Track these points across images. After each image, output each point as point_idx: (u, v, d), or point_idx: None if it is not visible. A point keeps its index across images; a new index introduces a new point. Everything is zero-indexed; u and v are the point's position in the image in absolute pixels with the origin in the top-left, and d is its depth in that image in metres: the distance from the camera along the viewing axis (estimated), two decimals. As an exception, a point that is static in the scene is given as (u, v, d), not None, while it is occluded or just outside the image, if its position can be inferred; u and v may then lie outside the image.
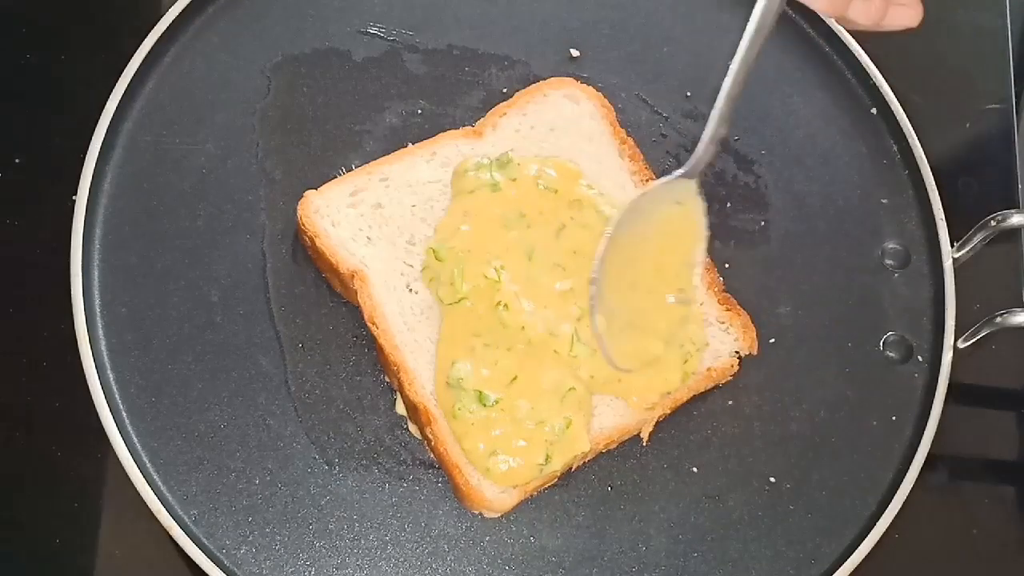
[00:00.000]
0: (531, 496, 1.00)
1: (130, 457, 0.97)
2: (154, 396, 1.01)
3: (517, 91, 1.14)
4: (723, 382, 1.06)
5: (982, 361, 1.15)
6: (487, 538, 1.00)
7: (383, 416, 1.03)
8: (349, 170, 1.09)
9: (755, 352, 1.07)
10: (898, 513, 1.02)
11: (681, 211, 0.97)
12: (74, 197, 1.06)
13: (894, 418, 1.08)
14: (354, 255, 1.04)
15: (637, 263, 0.97)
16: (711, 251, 1.10)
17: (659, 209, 0.97)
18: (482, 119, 1.12)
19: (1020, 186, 1.24)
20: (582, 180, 1.07)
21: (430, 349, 1.01)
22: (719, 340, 1.06)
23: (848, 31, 1.19)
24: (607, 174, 1.10)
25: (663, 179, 0.97)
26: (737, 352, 1.07)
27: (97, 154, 1.07)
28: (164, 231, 1.08)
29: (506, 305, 0.99)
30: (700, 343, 1.03)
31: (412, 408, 1.00)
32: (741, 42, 0.87)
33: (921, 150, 1.17)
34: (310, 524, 0.99)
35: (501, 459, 0.96)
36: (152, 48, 1.12)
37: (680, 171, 0.95)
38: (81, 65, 1.20)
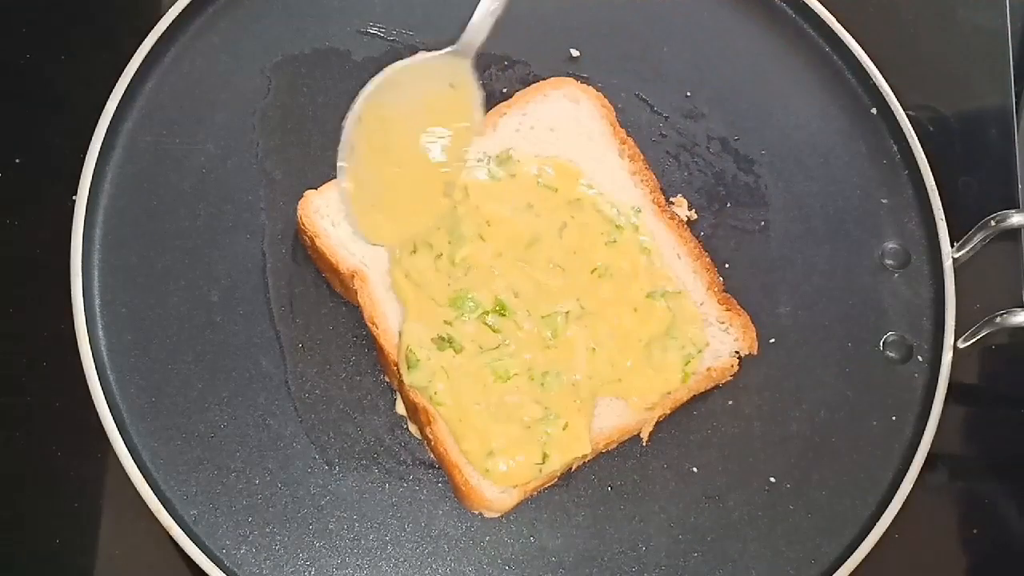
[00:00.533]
0: (531, 496, 1.00)
1: (130, 457, 0.97)
2: (154, 396, 1.01)
3: (517, 91, 1.14)
4: (723, 382, 1.06)
5: (982, 361, 1.15)
6: (487, 538, 1.00)
7: (383, 416, 1.03)
8: (349, 170, 1.09)
9: (755, 352, 1.07)
10: (898, 513, 1.02)
11: (454, 95, 0.95)
12: (74, 197, 1.06)
13: (894, 418, 1.08)
14: (354, 255, 1.04)
15: (395, 137, 0.96)
16: (711, 251, 1.11)
17: (428, 86, 0.94)
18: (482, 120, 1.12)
19: (1020, 186, 1.24)
20: (582, 180, 1.07)
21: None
22: (719, 340, 1.06)
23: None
24: (607, 174, 1.10)
25: (432, 53, 0.95)
26: (737, 352, 1.07)
27: (97, 154, 1.07)
28: (164, 231, 1.08)
29: (501, 308, 0.99)
30: (700, 344, 1.03)
31: (412, 408, 1.00)
32: None
33: (921, 150, 1.17)
34: (310, 524, 0.99)
35: (500, 459, 0.96)
36: (152, 48, 1.12)
37: (451, 48, 0.94)
38: (81, 65, 1.20)
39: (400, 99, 0.94)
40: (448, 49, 0.92)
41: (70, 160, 1.08)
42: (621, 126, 1.14)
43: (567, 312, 1.01)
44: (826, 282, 1.13)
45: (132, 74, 1.11)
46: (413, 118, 0.94)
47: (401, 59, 1.13)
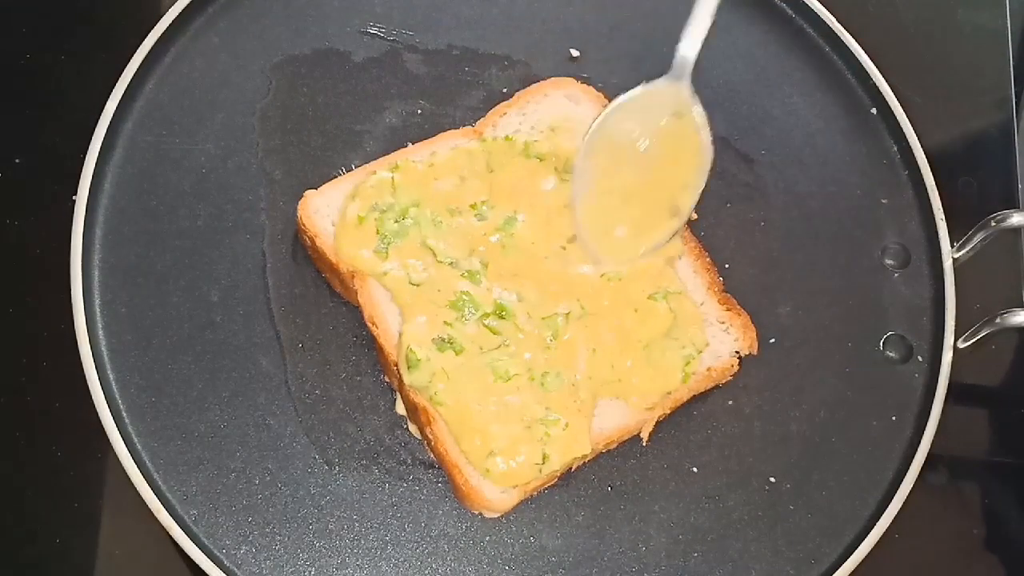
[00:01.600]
0: (531, 496, 1.00)
1: (130, 457, 0.97)
2: (154, 396, 1.01)
3: (517, 91, 1.14)
4: (723, 382, 1.06)
5: (982, 361, 1.15)
6: (487, 538, 1.00)
7: (383, 416, 1.03)
8: (349, 170, 1.09)
9: (755, 352, 1.07)
10: (898, 513, 1.02)
11: (679, 124, 0.98)
12: (74, 197, 1.06)
13: (894, 418, 1.08)
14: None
15: (626, 173, 0.99)
16: (711, 251, 1.11)
17: (653, 118, 0.98)
18: (482, 119, 1.12)
19: (1020, 186, 1.24)
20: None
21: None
22: (719, 340, 1.06)
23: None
24: (607, 174, 1.10)
25: (650, 84, 0.98)
26: (737, 352, 1.07)
27: (97, 154, 1.07)
28: (164, 231, 1.08)
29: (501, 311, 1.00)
30: (700, 344, 1.03)
31: (412, 408, 1.00)
32: None
33: (921, 150, 1.17)
34: (310, 524, 0.99)
35: (500, 459, 0.96)
36: (152, 48, 1.13)
37: (666, 76, 0.97)
38: (81, 65, 1.20)
39: (627, 130, 0.99)
40: (664, 77, 0.97)
41: (70, 160, 1.08)
42: (621, 126, 1.14)
43: (568, 313, 1.01)
44: (826, 282, 1.13)
45: (132, 74, 1.11)
46: (641, 147, 1.00)
47: (407, 63, 1.14)
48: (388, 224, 1.02)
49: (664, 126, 0.99)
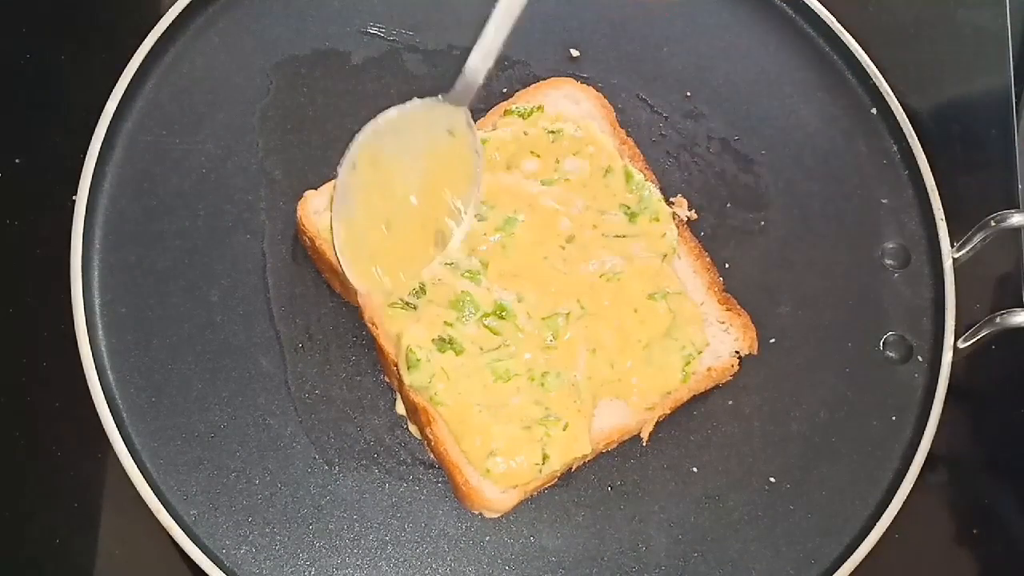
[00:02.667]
0: (531, 496, 1.00)
1: (130, 457, 0.97)
2: (154, 396, 1.01)
3: (517, 91, 1.14)
4: (723, 382, 1.06)
5: (982, 361, 1.15)
6: (487, 538, 1.00)
7: (383, 416, 1.03)
8: (349, 170, 1.09)
9: (755, 352, 1.07)
10: (898, 513, 1.02)
11: (452, 142, 0.93)
12: (74, 197, 1.06)
13: (894, 418, 1.08)
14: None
15: (391, 184, 0.93)
16: (711, 251, 1.11)
17: (426, 133, 0.92)
18: (482, 119, 1.12)
19: (1020, 186, 1.24)
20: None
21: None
22: (719, 340, 1.06)
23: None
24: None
25: (427, 99, 0.93)
26: (737, 352, 1.07)
27: (97, 154, 1.07)
28: (164, 231, 1.08)
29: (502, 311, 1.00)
30: (701, 344, 1.03)
31: (412, 408, 1.00)
32: None
33: (921, 150, 1.17)
34: (310, 524, 0.99)
35: (500, 459, 0.96)
36: (152, 48, 1.13)
37: (446, 94, 0.92)
38: (81, 65, 1.20)
39: (397, 145, 0.93)
40: (443, 96, 0.91)
41: (70, 160, 1.08)
42: (621, 126, 1.14)
43: (568, 313, 1.01)
44: (826, 282, 1.13)
45: (132, 74, 1.11)
46: (410, 165, 0.93)
47: (407, 63, 1.13)
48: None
49: (436, 145, 0.93)
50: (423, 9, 1.20)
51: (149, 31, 1.13)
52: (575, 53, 1.20)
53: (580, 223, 1.04)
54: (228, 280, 1.06)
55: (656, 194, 1.07)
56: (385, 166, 0.92)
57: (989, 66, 1.32)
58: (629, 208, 1.05)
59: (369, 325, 1.01)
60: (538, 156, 1.06)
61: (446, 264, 1.00)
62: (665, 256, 1.05)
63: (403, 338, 0.98)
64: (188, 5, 1.15)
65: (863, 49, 1.21)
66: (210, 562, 0.95)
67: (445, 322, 0.99)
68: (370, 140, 0.93)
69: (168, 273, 1.06)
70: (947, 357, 1.09)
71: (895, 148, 1.19)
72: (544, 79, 1.15)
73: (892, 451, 1.06)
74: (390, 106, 1.14)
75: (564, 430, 0.97)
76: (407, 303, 0.99)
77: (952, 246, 1.13)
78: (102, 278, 1.05)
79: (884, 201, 1.17)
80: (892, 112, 1.19)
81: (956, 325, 1.10)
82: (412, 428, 1.03)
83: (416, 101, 0.94)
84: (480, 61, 0.87)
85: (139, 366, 1.02)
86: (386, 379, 1.04)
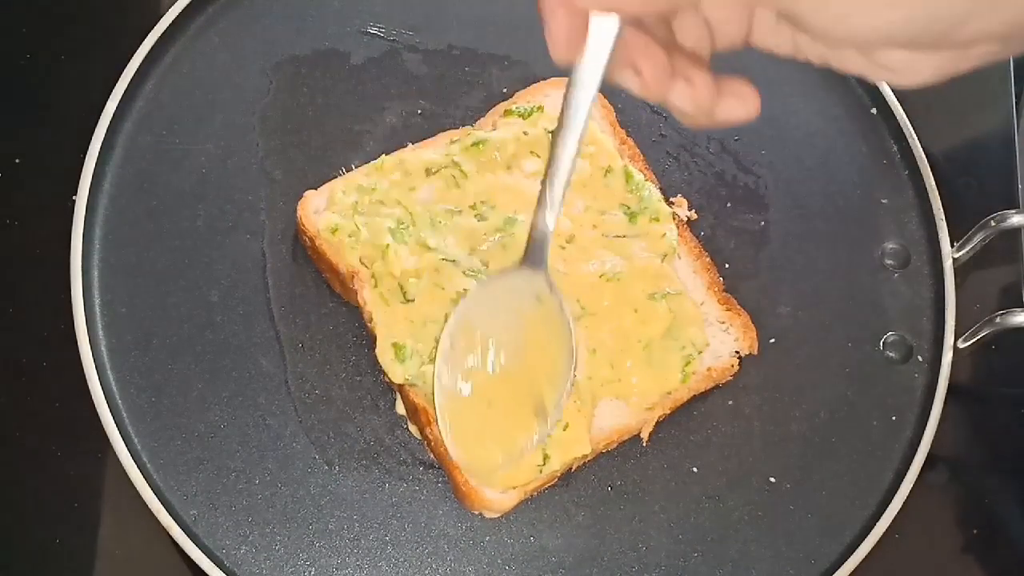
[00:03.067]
0: (531, 496, 1.00)
1: (130, 457, 0.97)
2: (154, 396, 1.01)
3: (517, 91, 1.14)
4: (723, 382, 1.06)
5: (982, 361, 1.15)
6: (487, 538, 1.00)
7: (383, 416, 1.03)
8: (349, 170, 1.09)
9: (755, 352, 1.07)
10: (898, 513, 1.02)
11: (541, 308, 0.89)
12: (74, 197, 1.06)
13: (894, 418, 1.08)
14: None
15: (488, 359, 0.90)
16: (711, 251, 1.11)
17: (513, 303, 0.89)
18: (482, 119, 1.12)
19: (1020, 186, 1.24)
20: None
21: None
22: (719, 340, 1.06)
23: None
24: (607, 174, 1.10)
25: (505, 271, 0.90)
26: (737, 352, 1.07)
27: (97, 154, 1.07)
28: (164, 231, 1.08)
29: None
30: (701, 345, 1.03)
31: (412, 408, 1.00)
32: (563, 134, 0.76)
33: (921, 150, 1.17)
34: (310, 524, 0.99)
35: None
36: (152, 48, 1.13)
37: (524, 264, 0.87)
38: (81, 65, 1.20)
39: (488, 320, 0.90)
40: (521, 264, 0.86)
41: (70, 160, 1.08)
42: (621, 126, 1.14)
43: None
44: (826, 282, 1.13)
45: (132, 74, 1.11)
46: (504, 338, 0.90)
47: (407, 63, 1.13)
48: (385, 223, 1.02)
49: (526, 314, 0.89)
50: (423, 9, 1.20)
51: (149, 31, 1.13)
52: (575, 53, 1.20)
53: (580, 223, 1.04)
54: (228, 280, 1.06)
55: (656, 194, 1.07)
56: (479, 342, 0.90)
57: (989, 66, 1.31)
58: (629, 208, 1.05)
59: (369, 325, 1.01)
60: (538, 156, 1.06)
61: (450, 261, 1.01)
62: (665, 256, 1.05)
63: (390, 332, 0.98)
64: (188, 5, 1.15)
65: (863, 49, 1.20)
66: (210, 562, 0.95)
67: (445, 320, 0.99)
68: (462, 318, 0.90)
69: (168, 273, 1.06)
70: (947, 357, 1.09)
71: (895, 148, 1.19)
72: (544, 79, 1.15)
73: (892, 451, 1.06)
74: (390, 106, 1.15)
75: (564, 430, 0.97)
76: (406, 297, 0.99)
77: (952, 246, 1.13)
78: (102, 278, 1.05)
79: (884, 201, 1.17)
80: (892, 112, 1.19)
81: (956, 325, 1.10)
82: (412, 428, 1.03)
83: (495, 276, 0.92)
84: (546, 220, 0.81)
85: (139, 366, 1.02)
86: (386, 379, 1.04)
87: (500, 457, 0.92)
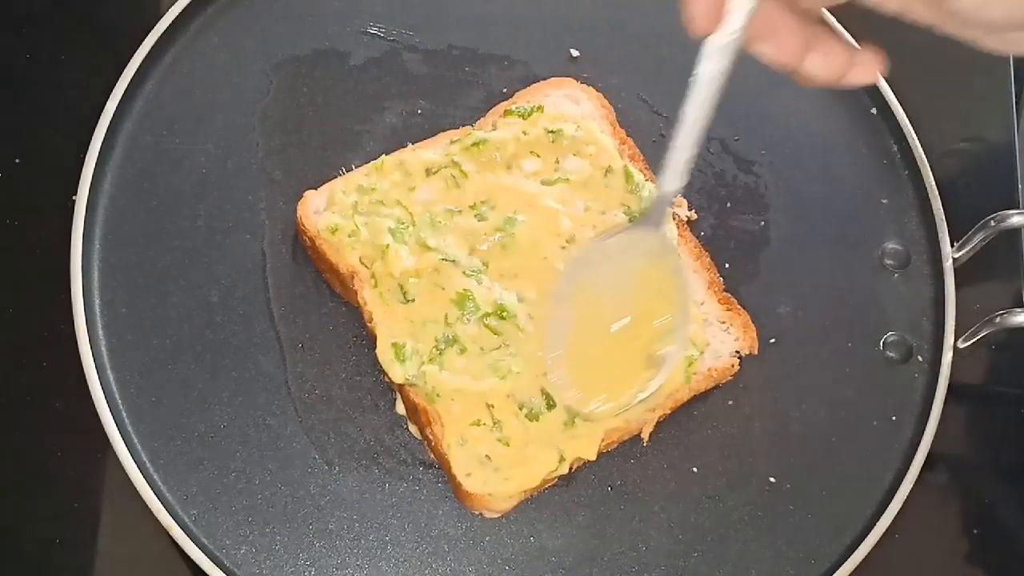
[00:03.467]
0: (531, 496, 1.00)
1: (130, 457, 0.97)
2: (154, 396, 1.01)
3: (517, 91, 1.14)
4: (723, 382, 1.06)
5: (982, 361, 1.15)
6: (487, 538, 1.00)
7: (383, 416, 1.03)
8: (349, 170, 1.09)
9: (755, 352, 1.07)
10: (898, 513, 1.02)
11: (655, 269, 0.92)
12: (74, 197, 1.06)
13: (894, 418, 1.08)
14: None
15: (604, 318, 0.93)
16: (711, 251, 1.11)
17: (627, 260, 0.92)
18: (482, 119, 1.12)
19: (1020, 186, 1.24)
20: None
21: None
22: (719, 340, 1.06)
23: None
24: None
25: (625, 229, 0.93)
26: (737, 352, 1.07)
27: (97, 154, 1.07)
28: (164, 231, 1.08)
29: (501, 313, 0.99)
30: (701, 344, 1.03)
31: (412, 408, 1.00)
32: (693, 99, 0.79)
33: (921, 150, 1.17)
34: (310, 524, 0.99)
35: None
36: (152, 48, 1.13)
37: (643, 221, 0.90)
38: (81, 65, 1.20)
39: (601, 276, 0.93)
40: (639, 221, 0.91)
41: (70, 160, 1.08)
42: (621, 126, 1.14)
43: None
44: (826, 282, 1.13)
45: (132, 74, 1.11)
46: (617, 295, 0.93)
47: (407, 63, 1.12)
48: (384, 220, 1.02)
49: (641, 271, 0.92)
50: (423, 9, 1.20)
51: (149, 31, 1.13)
52: (575, 53, 1.20)
53: (580, 223, 1.04)
54: (228, 280, 1.06)
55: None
56: (592, 298, 0.93)
57: (989, 66, 1.31)
58: (629, 208, 1.05)
59: (369, 325, 1.01)
60: (538, 156, 1.07)
61: (450, 261, 1.01)
62: None
63: (390, 332, 0.98)
64: (188, 5, 1.15)
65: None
66: (210, 562, 0.95)
67: (446, 320, 0.99)
68: (574, 273, 0.93)
69: (168, 273, 1.06)
70: (947, 357, 1.09)
71: (895, 148, 1.19)
72: (544, 79, 1.15)
73: (892, 451, 1.06)
74: (390, 106, 1.15)
75: (569, 428, 0.97)
76: (406, 297, 0.99)
77: (952, 246, 1.13)
78: (102, 278, 1.05)
79: (884, 201, 1.17)
80: (892, 112, 1.19)
81: (956, 325, 1.10)
82: (412, 428, 1.03)
83: (614, 234, 0.93)
84: (673, 182, 0.84)
85: (139, 366, 1.02)
86: (386, 379, 1.04)
87: (612, 406, 0.94)
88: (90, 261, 1.05)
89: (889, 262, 1.15)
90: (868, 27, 1.23)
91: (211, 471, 0.99)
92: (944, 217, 1.14)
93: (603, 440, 1.00)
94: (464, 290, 0.99)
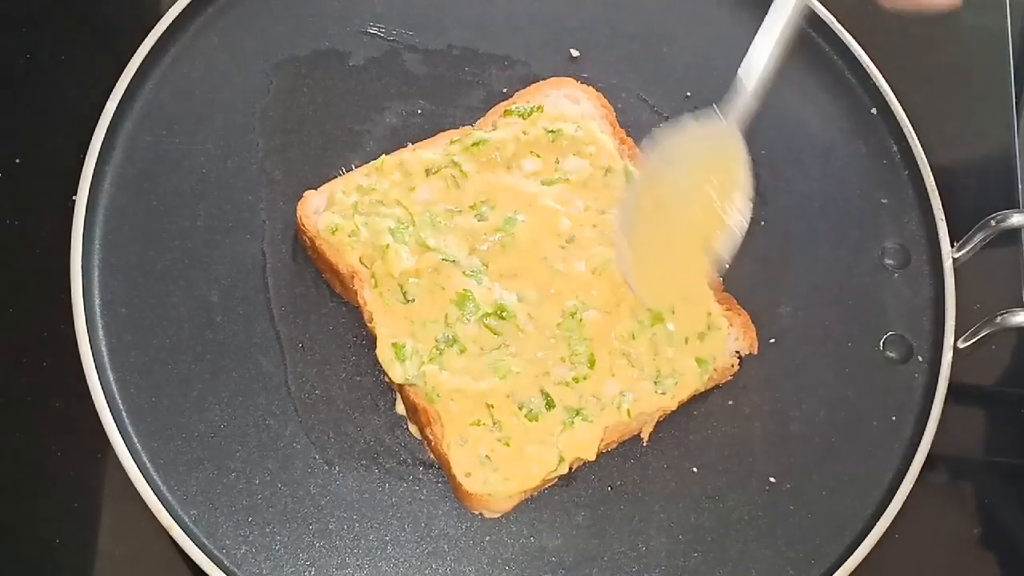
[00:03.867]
0: (531, 496, 1.00)
1: (130, 457, 0.97)
2: (154, 396, 1.01)
3: (517, 91, 1.14)
4: (723, 382, 1.06)
5: (982, 361, 1.15)
6: (487, 538, 1.00)
7: (383, 416, 1.03)
8: (349, 170, 1.09)
9: (755, 352, 1.07)
10: (898, 513, 1.02)
11: (720, 159, 0.96)
12: (74, 197, 1.06)
13: (894, 418, 1.08)
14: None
15: (670, 206, 0.96)
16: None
17: (697, 153, 0.96)
18: (482, 119, 1.12)
19: (1020, 186, 1.24)
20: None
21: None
22: (719, 340, 1.06)
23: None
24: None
25: (699, 122, 0.96)
26: (737, 352, 1.07)
27: (97, 154, 1.07)
28: (164, 231, 1.08)
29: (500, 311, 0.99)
30: (719, 355, 1.04)
31: (412, 408, 1.00)
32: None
33: (921, 150, 1.17)
34: (310, 524, 0.99)
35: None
36: (152, 48, 1.13)
37: (718, 107, 0.95)
38: (81, 65, 1.20)
39: (672, 164, 0.97)
40: (714, 116, 0.94)
41: (70, 160, 1.08)
42: (621, 126, 1.14)
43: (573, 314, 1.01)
44: (826, 282, 1.13)
45: (132, 74, 1.11)
46: (684, 181, 0.97)
47: (407, 63, 1.13)
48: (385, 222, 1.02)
49: (707, 162, 0.96)
50: (423, 9, 1.20)
51: (149, 31, 1.13)
52: (575, 53, 1.20)
53: (580, 223, 1.04)
54: (228, 280, 1.06)
55: None
56: (662, 184, 0.96)
57: (989, 66, 1.32)
58: None
59: (369, 325, 1.01)
60: (538, 156, 1.07)
61: (450, 261, 1.01)
62: None
63: (390, 332, 0.98)
64: (188, 5, 1.15)
65: (863, 49, 1.21)
66: (210, 562, 0.95)
67: (446, 321, 0.99)
68: (650, 161, 0.96)
69: (168, 273, 1.06)
70: (947, 357, 1.09)
71: (895, 148, 1.19)
72: (544, 79, 1.15)
73: (892, 451, 1.06)
74: (390, 106, 1.15)
75: (569, 427, 0.97)
76: (406, 297, 0.99)
77: (952, 246, 1.13)
78: (102, 278, 1.05)
79: (884, 201, 1.17)
80: (892, 112, 1.19)
81: (956, 325, 1.10)
82: (412, 428, 1.03)
83: (686, 125, 0.96)
84: (752, 71, 0.88)
85: (139, 366, 1.02)
86: (386, 379, 1.04)
87: (675, 290, 0.99)
88: (90, 261, 1.05)
89: (889, 262, 1.15)
90: (868, 27, 1.24)
91: (211, 471, 0.99)
92: (944, 217, 1.14)
93: (603, 440, 1.00)
94: (464, 290, 0.99)
